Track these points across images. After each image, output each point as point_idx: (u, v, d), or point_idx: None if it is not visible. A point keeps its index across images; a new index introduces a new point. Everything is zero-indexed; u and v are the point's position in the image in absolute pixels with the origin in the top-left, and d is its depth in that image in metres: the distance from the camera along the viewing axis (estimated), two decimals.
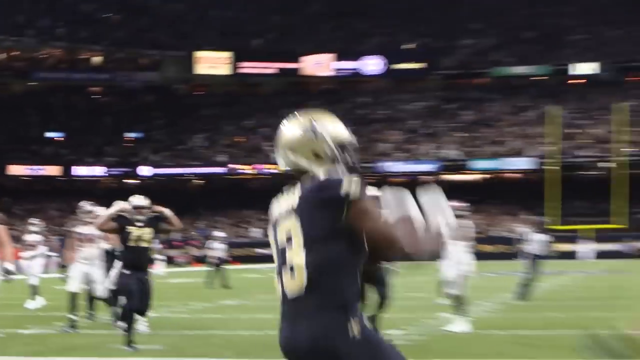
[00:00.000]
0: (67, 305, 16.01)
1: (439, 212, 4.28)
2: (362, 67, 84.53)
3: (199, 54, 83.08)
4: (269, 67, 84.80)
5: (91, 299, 17.06)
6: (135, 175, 76.49)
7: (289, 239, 4.30)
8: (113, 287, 15.17)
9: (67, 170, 76.66)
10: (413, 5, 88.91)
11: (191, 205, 74.52)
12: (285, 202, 4.34)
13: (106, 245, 16.21)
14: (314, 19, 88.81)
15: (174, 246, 66.62)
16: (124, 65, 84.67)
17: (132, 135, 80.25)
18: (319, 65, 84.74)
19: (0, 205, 52.12)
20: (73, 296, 15.95)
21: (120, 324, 14.58)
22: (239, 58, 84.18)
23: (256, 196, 75.53)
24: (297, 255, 4.27)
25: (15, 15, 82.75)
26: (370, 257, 4.40)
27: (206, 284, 31.72)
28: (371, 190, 5.00)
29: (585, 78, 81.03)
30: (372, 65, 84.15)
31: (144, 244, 13.46)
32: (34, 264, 23.17)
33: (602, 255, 59.61)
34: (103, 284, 16.20)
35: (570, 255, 56.94)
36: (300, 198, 4.23)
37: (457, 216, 15.00)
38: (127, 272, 13.36)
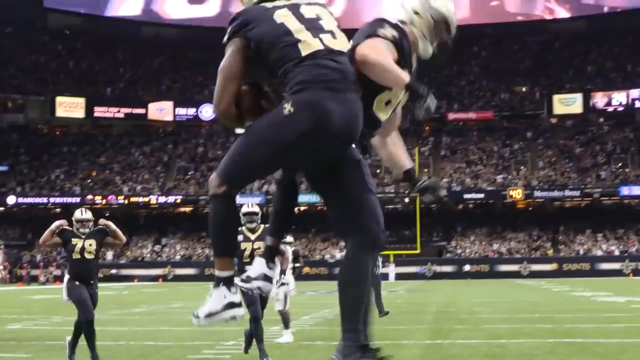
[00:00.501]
0: None
1: None
2: (199, 113, 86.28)
3: (59, 99, 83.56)
4: (119, 112, 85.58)
5: None
6: (4, 204, 76.59)
7: (317, 16, 4.74)
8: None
9: None
10: None
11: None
12: None
13: None
14: (157, 72, 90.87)
15: (38, 266, 68.41)
16: None
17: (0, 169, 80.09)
18: (162, 110, 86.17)
19: None
20: None
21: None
22: (93, 103, 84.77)
23: None
24: (337, 29, 4.78)
25: None
26: None
27: None
28: None
29: None
30: (207, 111, 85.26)
31: (89, 256, 12.49)
32: None
33: (399, 277, 61.73)
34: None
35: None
36: None
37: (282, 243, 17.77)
38: (76, 283, 12.40)
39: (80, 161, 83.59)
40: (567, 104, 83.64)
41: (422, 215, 68.01)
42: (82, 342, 12.45)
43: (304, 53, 4.57)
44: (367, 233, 4.84)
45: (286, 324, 15.67)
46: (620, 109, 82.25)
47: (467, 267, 67.00)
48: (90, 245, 12.71)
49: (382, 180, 77.84)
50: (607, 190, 75.05)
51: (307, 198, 65.96)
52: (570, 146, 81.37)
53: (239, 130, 4.86)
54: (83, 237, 12.78)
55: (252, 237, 12.57)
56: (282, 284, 15.25)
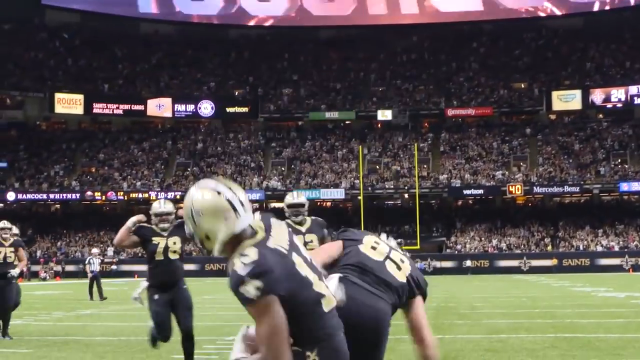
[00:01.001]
0: None
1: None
2: (198, 109, 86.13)
3: (57, 96, 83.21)
4: (118, 108, 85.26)
5: None
6: (4, 200, 76.55)
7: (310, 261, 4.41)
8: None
9: None
10: (240, 57, 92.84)
11: (51, 226, 77.23)
12: (284, 235, 4.36)
13: None
14: (156, 68, 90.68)
15: (38, 262, 68.19)
16: None
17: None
18: (160, 107, 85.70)
19: None
20: None
21: None
22: (91, 99, 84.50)
23: (107, 219, 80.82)
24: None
25: None
26: None
27: (89, 294, 31.64)
28: None
29: (385, 122, 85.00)
30: (206, 108, 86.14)
31: (174, 256, 10.74)
32: None
33: None
34: None
35: None
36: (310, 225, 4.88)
37: None
38: (155, 297, 10.64)
39: (79, 157, 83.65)
40: (566, 100, 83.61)
41: (422, 211, 68.53)
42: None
43: (326, 309, 4.40)
44: None
45: None
46: (619, 105, 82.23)
47: (468, 263, 67.02)
48: (175, 243, 10.74)
49: (382, 175, 77.78)
50: (606, 186, 75.11)
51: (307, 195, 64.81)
52: (570, 142, 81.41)
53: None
54: (165, 234, 10.76)
55: (303, 229, 9.92)
56: None
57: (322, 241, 9.59)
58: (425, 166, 78.86)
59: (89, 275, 33.33)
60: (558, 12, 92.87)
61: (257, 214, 4.43)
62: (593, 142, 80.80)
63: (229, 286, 4.06)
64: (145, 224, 10.76)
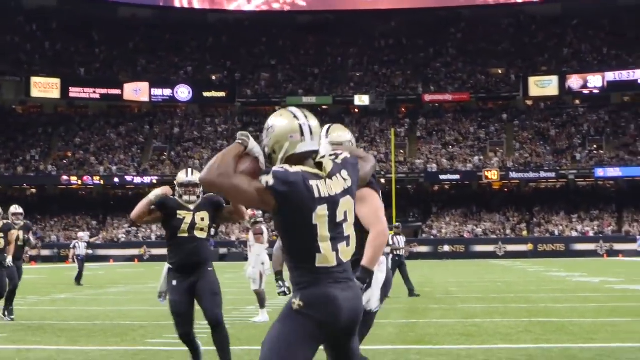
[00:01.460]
0: None
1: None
2: (175, 94, 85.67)
3: (34, 80, 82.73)
4: (94, 92, 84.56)
5: None
6: None
7: (345, 217, 4.74)
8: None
9: None
10: (218, 42, 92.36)
11: (27, 211, 79.79)
12: (338, 183, 4.71)
13: None
14: (134, 52, 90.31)
15: None
16: None
17: None
18: (137, 91, 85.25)
19: None
20: None
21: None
22: (68, 83, 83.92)
23: (83, 203, 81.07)
24: (352, 228, 4.81)
25: None
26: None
27: (76, 279, 30.84)
28: None
29: (362, 107, 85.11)
30: (183, 92, 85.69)
31: (201, 235, 9.18)
32: None
33: None
34: None
35: None
36: (351, 174, 4.79)
37: (255, 222, 16.05)
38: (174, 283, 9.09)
39: (56, 142, 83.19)
40: (543, 86, 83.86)
41: (398, 196, 68.05)
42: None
43: (317, 264, 4.71)
44: None
45: (262, 304, 15.60)
46: (596, 91, 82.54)
47: (446, 248, 67.25)
48: (203, 220, 9.17)
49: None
50: (582, 172, 75.48)
51: None
52: (546, 128, 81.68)
53: None
54: (192, 208, 9.13)
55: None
56: (257, 264, 15.64)
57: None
58: (402, 151, 78.94)
59: (74, 258, 33.07)
60: None
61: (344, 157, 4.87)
62: (569, 128, 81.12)
63: None
64: (170, 197, 9.16)
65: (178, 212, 9.03)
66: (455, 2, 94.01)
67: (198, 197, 9.20)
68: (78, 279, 31.11)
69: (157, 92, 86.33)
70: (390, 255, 22.12)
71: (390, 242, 22.58)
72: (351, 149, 5.88)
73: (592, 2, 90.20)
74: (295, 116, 4.85)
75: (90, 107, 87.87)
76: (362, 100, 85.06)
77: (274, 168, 4.67)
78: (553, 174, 75.63)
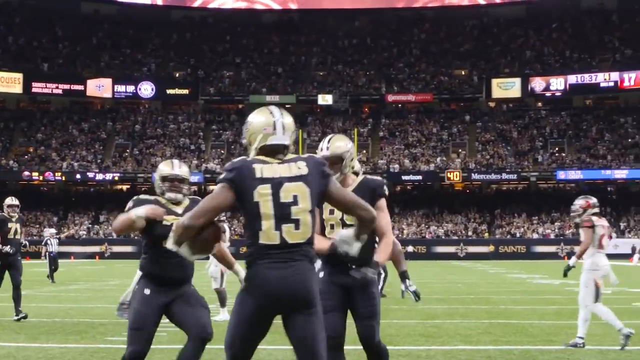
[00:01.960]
0: None
1: None
2: (138, 90, 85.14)
3: None
4: (57, 88, 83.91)
5: None
6: None
7: (295, 199, 5.17)
8: None
9: None
10: (182, 39, 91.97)
11: None
12: (285, 170, 5.25)
13: None
14: (97, 48, 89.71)
15: None
16: None
17: None
18: (100, 87, 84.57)
19: None
20: None
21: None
22: (30, 79, 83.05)
23: (45, 199, 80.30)
24: (305, 213, 5.18)
25: None
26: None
27: (49, 276, 30.80)
28: None
29: (325, 107, 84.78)
30: (146, 89, 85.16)
31: None
32: None
33: None
34: None
35: None
36: (310, 169, 5.26)
37: (218, 220, 18.44)
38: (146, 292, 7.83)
39: (17, 137, 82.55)
40: (506, 88, 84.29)
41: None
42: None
43: (260, 241, 5.23)
44: None
45: (222, 302, 15.70)
46: (558, 94, 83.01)
47: (409, 249, 67.43)
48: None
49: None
50: (543, 174, 75.93)
51: None
52: (508, 130, 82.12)
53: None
54: (180, 212, 7.29)
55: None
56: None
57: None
58: (364, 151, 78.85)
59: (45, 255, 32.63)
60: (499, 0, 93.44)
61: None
62: (531, 130, 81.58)
63: None
64: (146, 197, 7.55)
65: (164, 217, 7.29)
66: (419, 2, 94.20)
67: (184, 195, 7.53)
68: (52, 275, 30.91)
69: (120, 88, 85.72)
70: None
71: None
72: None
73: (555, 6, 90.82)
74: (271, 113, 5.45)
75: (53, 102, 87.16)
76: (325, 99, 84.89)
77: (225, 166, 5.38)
78: (515, 176, 76.03)
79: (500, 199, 77.38)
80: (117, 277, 34.59)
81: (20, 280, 16.15)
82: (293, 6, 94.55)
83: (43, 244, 34.11)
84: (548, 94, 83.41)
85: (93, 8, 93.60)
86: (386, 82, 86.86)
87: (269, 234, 5.17)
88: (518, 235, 71.75)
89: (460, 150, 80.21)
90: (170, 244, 5.32)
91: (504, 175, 75.92)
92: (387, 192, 6.87)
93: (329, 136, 6.98)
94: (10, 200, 16.64)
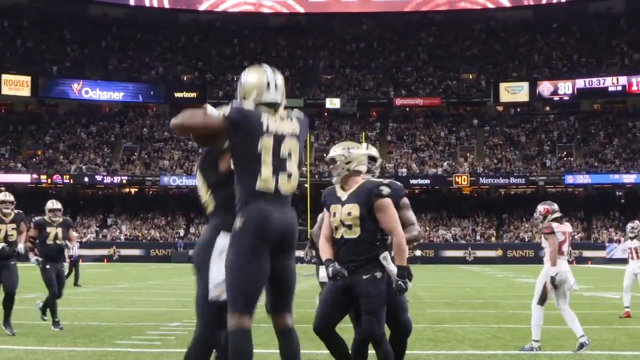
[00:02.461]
0: None
1: None
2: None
3: (4, 77, 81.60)
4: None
5: None
6: None
7: (289, 154, 5.69)
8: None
9: None
10: (190, 43, 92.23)
11: None
12: (288, 127, 5.77)
13: None
14: (105, 51, 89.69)
15: None
16: None
17: None
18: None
19: None
20: None
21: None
22: (39, 81, 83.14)
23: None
24: (295, 167, 5.73)
25: None
26: None
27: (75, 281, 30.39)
28: None
29: (333, 111, 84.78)
30: (155, 92, 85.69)
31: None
32: None
33: None
34: None
35: None
36: (301, 127, 5.82)
37: None
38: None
39: (26, 140, 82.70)
40: (514, 92, 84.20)
41: None
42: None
43: (257, 187, 5.65)
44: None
45: None
46: (566, 98, 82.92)
47: (417, 252, 67.35)
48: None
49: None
50: (551, 179, 75.81)
51: None
52: (516, 134, 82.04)
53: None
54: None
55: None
56: None
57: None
58: None
59: (68, 260, 30.92)
60: (507, 4, 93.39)
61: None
62: (539, 134, 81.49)
63: None
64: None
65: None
66: (426, 6, 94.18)
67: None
68: (76, 279, 30.69)
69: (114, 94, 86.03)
70: None
71: None
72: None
73: (563, 10, 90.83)
74: (264, 72, 5.87)
75: (61, 105, 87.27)
76: (333, 103, 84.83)
77: (233, 102, 5.73)
78: (523, 180, 75.94)
79: (508, 203, 77.29)
80: (125, 280, 34.62)
81: (60, 292, 15.31)
82: (300, 9, 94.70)
83: (64, 247, 33.38)
84: (556, 98, 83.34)
85: (101, 11, 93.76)
86: (394, 86, 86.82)
87: (267, 181, 5.60)
88: (526, 239, 71.63)
89: (468, 154, 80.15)
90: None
91: (512, 180, 75.84)
92: (384, 192, 7.02)
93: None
94: (52, 204, 15.73)
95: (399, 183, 7.94)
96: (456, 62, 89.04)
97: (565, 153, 79.08)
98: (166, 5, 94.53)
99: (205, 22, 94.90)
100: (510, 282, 34.28)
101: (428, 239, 72.15)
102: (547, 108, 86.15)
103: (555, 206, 12.70)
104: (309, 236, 14.90)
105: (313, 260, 16.16)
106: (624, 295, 18.17)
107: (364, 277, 7.19)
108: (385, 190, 7.07)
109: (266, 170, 5.60)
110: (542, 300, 12.57)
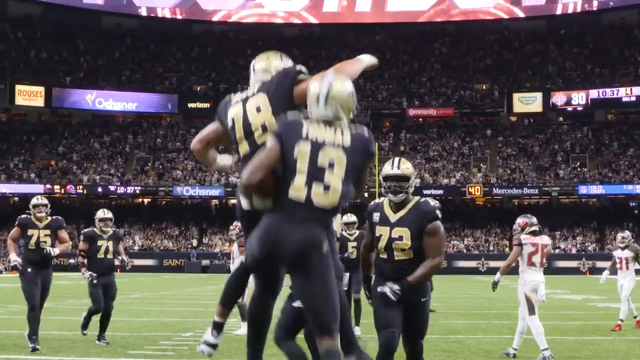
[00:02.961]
0: None
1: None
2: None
3: (18, 87, 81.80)
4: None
5: None
6: None
7: (331, 164, 5.38)
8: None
9: None
10: (203, 53, 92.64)
11: (9, 219, 79.43)
12: (330, 135, 5.48)
13: None
14: (118, 62, 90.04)
15: None
16: None
17: None
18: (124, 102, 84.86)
19: None
20: None
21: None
22: (53, 92, 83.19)
23: (66, 213, 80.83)
24: (338, 181, 5.38)
25: None
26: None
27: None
28: None
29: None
30: (169, 102, 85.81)
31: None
32: None
33: None
34: None
35: None
36: (353, 142, 5.48)
37: (240, 235, 15.94)
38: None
39: (39, 150, 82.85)
40: (527, 102, 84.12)
41: None
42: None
43: (289, 195, 5.45)
44: None
45: (243, 317, 15.57)
46: (580, 108, 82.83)
47: None
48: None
49: None
50: (565, 189, 75.60)
51: None
52: (529, 144, 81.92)
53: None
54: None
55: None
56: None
57: None
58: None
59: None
60: (521, 15, 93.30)
61: None
62: (553, 145, 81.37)
63: None
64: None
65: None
66: (440, 17, 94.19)
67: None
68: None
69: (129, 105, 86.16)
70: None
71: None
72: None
73: (576, 20, 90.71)
74: (319, 85, 5.74)
75: (74, 115, 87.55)
76: None
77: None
78: (536, 191, 75.79)
79: (522, 213, 76.04)
80: (138, 291, 34.66)
81: (111, 305, 14.78)
82: (314, 20, 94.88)
83: None
84: (569, 108, 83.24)
85: (115, 22, 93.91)
86: (407, 97, 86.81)
87: (298, 188, 5.39)
88: None
89: (481, 165, 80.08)
90: (244, 205, 5.81)
91: (526, 190, 75.69)
92: (439, 215, 7.17)
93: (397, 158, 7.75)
94: (102, 214, 14.95)
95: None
96: (469, 73, 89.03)
97: (578, 164, 78.94)
98: (179, 16, 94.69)
99: (218, 33, 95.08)
100: None
101: None
102: (561, 118, 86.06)
103: (534, 219, 13.42)
104: None
105: None
106: (623, 305, 18.01)
107: (422, 299, 7.42)
108: (439, 213, 7.12)
109: (300, 178, 5.42)
110: (531, 309, 12.89)
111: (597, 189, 74.20)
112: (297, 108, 5.95)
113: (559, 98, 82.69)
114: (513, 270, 13.70)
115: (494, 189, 75.66)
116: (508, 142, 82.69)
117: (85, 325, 14.62)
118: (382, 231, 7.42)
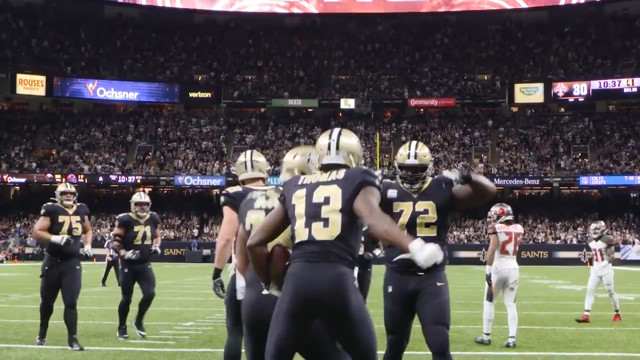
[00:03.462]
0: None
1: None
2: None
3: (19, 76, 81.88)
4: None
5: None
6: None
7: (326, 199, 5.42)
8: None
9: None
10: (204, 43, 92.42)
11: (10, 208, 76.92)
12: (325, 177, 5.56)
13: None
14: (120, 51, 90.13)
15: None
16: None
17: None
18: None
19: None
20: None
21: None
22: (54, 81, 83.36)
23: None
24: (334, 212, 5.39)
25: None
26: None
27: (103, 280, 30.40)
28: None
29: (348, 111, 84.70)
30: (170, 92, 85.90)
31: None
32: None
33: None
34: None
35: None
36: (346, 174, 5.46)
37: None
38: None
39: (40, 139, 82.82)
40: (529, 93, 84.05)
41: None
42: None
43: (296, 240, 5.52)
44: None
45: None
46: (581, 99, 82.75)
47: None
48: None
49: None
50: (566, 180, 75.54)
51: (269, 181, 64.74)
52: (531, 135, 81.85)
53: None
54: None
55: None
56: None
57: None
58: (387, 155, 78.60)
59: (108, 259, 31.00)
60: (524, 5, 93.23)
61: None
62: (554, 136, 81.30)
63: None
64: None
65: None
66: (442, 7, 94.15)
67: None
68: (104, 280, 30.59)
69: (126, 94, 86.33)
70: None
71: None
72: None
73: (578, 11, 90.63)
74: (329, 135, 5.87)
75: (75, 105, 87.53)
76: (347, 103, 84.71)
77: None
78: (537, 181, 75.75)
79: (523, 204, 76.99)
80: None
81: (152, 292, 13.80)
82: (315, 10, 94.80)
83: (105, 246, 33.76)
84: (571, 99, 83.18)
85: (116, 11, 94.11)
86: (409, 87, 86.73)
87: (300, 231, 5.45)
88: (540, 240, 71.47)
89: (482, 155, 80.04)
90: (273, 291, 5.67)
91: (527, 181, 75.66)
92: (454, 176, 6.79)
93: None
94: (139, 197, 14.22)
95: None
96: (471, 63, 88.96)
97: (580, 154, 78.87)
98: (181, 6, 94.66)
99: (220, 22, 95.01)
100: (524, 283, 34.12)
101: None
102: (562, 109, 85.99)
103: (509, 208, 13.73)
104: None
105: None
106: (587, 298, 17.92)
107: (438, 284, 7.10)
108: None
109: (299, 222, 5.50)
110: (490, 296, 13.46)
111: (598, 180, 74.20)
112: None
113: (560, 89, 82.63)
114: None
115: (495, 179, 75.46)
116: (509, 132, 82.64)
117: (123, 321, 13.75)
118: (404, 207, 7.24)
